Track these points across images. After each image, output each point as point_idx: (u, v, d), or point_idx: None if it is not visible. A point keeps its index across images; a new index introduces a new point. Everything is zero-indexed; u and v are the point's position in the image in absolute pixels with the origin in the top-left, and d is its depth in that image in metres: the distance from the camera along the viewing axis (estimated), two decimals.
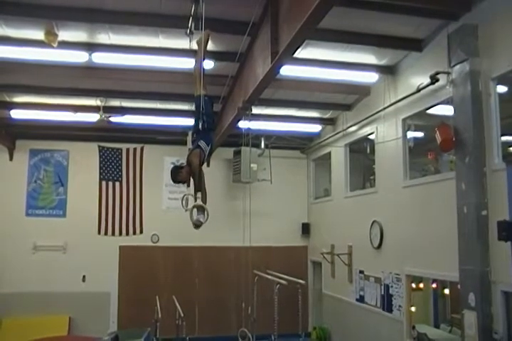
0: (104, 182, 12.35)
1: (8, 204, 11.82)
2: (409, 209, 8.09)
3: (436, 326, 9.41)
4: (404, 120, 8.33)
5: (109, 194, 12.32)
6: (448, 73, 6.65)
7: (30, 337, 9.10)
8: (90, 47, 7.43)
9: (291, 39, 5.01)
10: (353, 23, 6.84)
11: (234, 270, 12.07)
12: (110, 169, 12.41)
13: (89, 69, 8.09)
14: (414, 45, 7.53)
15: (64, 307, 11.43)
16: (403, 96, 8.04)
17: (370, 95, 9.56)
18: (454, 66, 6.53)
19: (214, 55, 7.46)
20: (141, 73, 8.30)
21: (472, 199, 6.12)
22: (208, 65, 7.23)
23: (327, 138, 11.71)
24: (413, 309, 8.43)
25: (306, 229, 13.20)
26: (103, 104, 9.90)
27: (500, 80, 6.16)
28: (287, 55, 5.57)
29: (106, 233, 12.21)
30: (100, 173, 12.35)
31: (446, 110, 6.94)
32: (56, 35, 6.63)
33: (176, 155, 11.89)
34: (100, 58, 7.67)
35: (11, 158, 12.09)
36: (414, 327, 8.05)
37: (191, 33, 5.68)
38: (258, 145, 11.86)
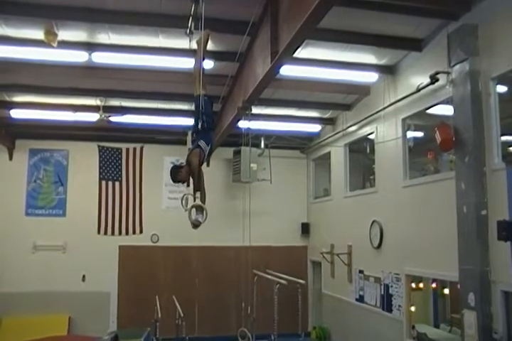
0: (103, 182, 12.35)
1: (7, 203, 11.82)
2: (409, 208, 8.10)
3: (436, 326, 9.40)
4: (404, 120, 8.33)
5: (109, 193, 12.32)
6: (448, 73, 6.66)
7: (30, 336, 9.09)
8: (90, 46, 7.43)
9: (291, 39, 5.01)
10: (352, 22, 6.84)
11: (234, 270, 12.08)
12: (110, 169, 12.41)
13: (89, 69, 8.09)
14: (414, 44, 7.53)
15: (64, 306, 11.43)
16: (403, 96, 8.04)
17: (369, 95, 9.56)
18: (453, 66, 6.53)
19: (214, 55, 7.46)
20: (141, 73, 8.30)
21: (472, 198, 6.12)
22: (208, 64, 7.23)
23: (327, 138, 11.71)
24: (413, 309, 8.43)
25: (305, 228, 13.20)
26: (103, 103, 9.90)
27: (500, 80, 6.16)
28: (287, 55, 5.57)
29: (106, 233, 12.21)
30: (100, 173, 12.35)
31: (446, 110, 6.94)
32: (56, 35, 6.62)
33: (175, 155, 11.89)
34: (100, 58, 7.67)
35: (10, 158, 12.09)
36: (413, 327, 8.05)
37: (191, 32, 5.68)
38: (258, 145, 11.86)
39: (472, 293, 6.02)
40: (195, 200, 4.85)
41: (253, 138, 9.60)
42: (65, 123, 11.02)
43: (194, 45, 5.81)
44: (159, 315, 9.31)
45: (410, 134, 8.35)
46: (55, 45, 6.67)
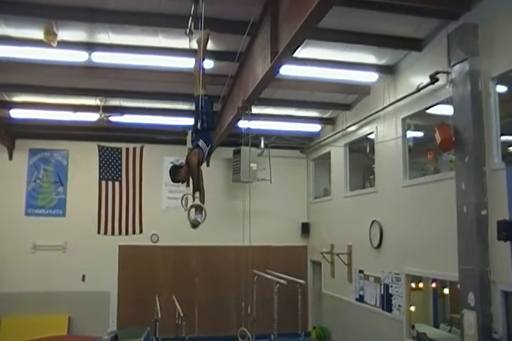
0: (103, 182, 12.35)
1: (7, 203, 11.82)
2: (408, 208, 8.10)
3: (436, 326, 9.39)
4: (403, 120, 8.33)
5: (109, 193, 12.32)
6: (448, 73, 6.65)
7: (30, 336, 9.09)
8: (90, 46, 7.42)
9: (291, 38, 5.01)
10: (352, 22, 6.84)
11: (234, 269, 12.07)
12: (110, 169, 12.41)
13: (89, 68, 8.09)
14: (414, 44, 7.52)
15: (63, 306, 11.43)
16: (403, 95, 8.04)
17: (369, 95, 9.56)
18: (453, 66, 6.53)
19: (214, 55, 7.46)
20: (141, 73, 8.29)
21: (472, 198, 6.12)
22: (208, 64, 7.23)
23: (327, 138, 11.71)
24: (413, 308, 8.42)
25: (305, 228, 13.20)
26: (103, 103, 9.90)
27: (500, 80, 6.16)
28: (287, 55, 5.57)
29: (105, 232, 12.21)
30: (100, 173, 12.35)
31: (446, 110, 6.93)
32: (56, 35, 6.62)
33: (175, 155, 11.90)
34: (100, 58, 7.66)
35: (10, 158, 12.09)
36: (413, 327, 8.05)
37: (191, 32, 5.67)
38: (258, 145, 11.85)
39: (472, 292, 6.02)
40: (194, 200, 4.86)
41: (253, 138, 9.60)
42: (65, 123, 11.02)
43: (194, 45, 5.81)
44: (159, 315, 9.31)
45: (410, 134, 8.35)
46: (54, 45, 6.67)
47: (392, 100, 8.45)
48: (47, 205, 12.17)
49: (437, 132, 6.46)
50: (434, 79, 6.91)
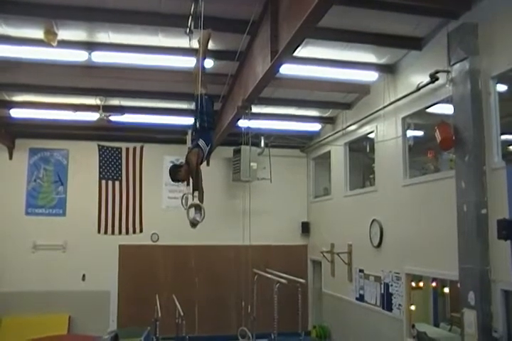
0: (103, 181, 12.35)
1: (7, 203, 11.82)
2: (409, 207, 8.10)
3: (436, 325, 9.41)
4: (404, 119, 8.33)
5: (109, 193, 12.32)
6: (448, 72, 6.65)
7: (30, 335, 9.10)
8: (90, 46, 7.42)
9: (291, 37, 5.01)
10: (352, 21, 6.84)
11: (234, 269, 12.08)
12: (110, 168, 12.41)
13: (89, 68, 8.09)
14: (414, 43, 7.52)
15: (64, 306, 11.44)
16: (403, 94, 8.04)
17: (369, 94, 9.56)
18: (453, 65, 6.53)
19: (214, 54, 7.45)
20: (141, 72, 8.29)
21: (472, 197, 6.12)
22: (208, 63, 7.22)
23: (327, 137, 11.71)
24: (413, 308, 8.43)
25: (305, 227, 13.20)
26: (103, 103, 9.90)
27: (500, 79, 6.16)
28: (287, 54, 5.56)
29: (106, 232, 12.22)
30: (100, 172, 12.35)
31: (446, 109, 6.93)
32: (56, 34, 6.62)
33: (175, 154, 11.90)
34: (100, 57, 7.66)
35: (10, 157, 12.09)
36: (413, 326, 8.05)
37: (191, 31, 5.66)
38: (258, 144, 11.84)
39: (472, 291, 6.02)
40: (193, 199, 4.87)
41: (253, 137, 9.61)
42: (65, 123, 11.01)
43: (194, 44, 5.80)
44: (159, 314, 9.31)
45: (410, 133, 8.34)
46: (54, 44, 6.66)
47: (392, 99, 8.45)
48: (47, 205, 12.17)
49: (437, 131, 6.45)
50: (434, 78, 6.91)
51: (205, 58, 5.61)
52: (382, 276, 9.00)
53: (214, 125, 5.66)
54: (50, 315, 11.18)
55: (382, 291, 8.95)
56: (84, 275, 11.92)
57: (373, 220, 9.30)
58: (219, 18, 6.46)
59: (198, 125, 5.15)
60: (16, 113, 10.29)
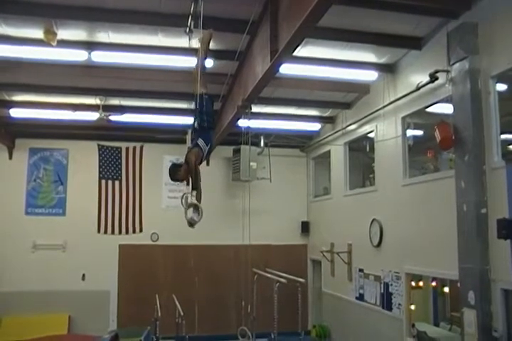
0: (103, 181, 12.35)
1: (7, 203, 11.82)
2: (408, 207, 8.10)
3: (436, 324, 9.41)
4: (403, 118, 8.33)
5: (109, 193, 12.33)
6: (447, 71, 6.65)
7: (30, 335, 9.13)
8: (90, 45, 7.42)
9: (291, 37, 5.01)
10: (352, 21, 6.83)
11: (233, 268, 12.08)
12: (110, 168, 12.41)
13: (89, 67, 8.08)
14: (414, 43, 7.52)
15: (64, 305, 11.44)
16: (403, 94, 8.04)
17: (369, 93, 9.56)
18: (453, 64, 6.53)
19: (213, 54, 7.43)
20: (141, 72, 8.29)
21: (472, 197, 6.12)
22: (208, 63, 7.22)
23: (326, 137, 11.71)
24: (413, 307, 8.44)
25: (305, 227, 13.20)
26: (102, 102, 9.89)
27: (500, 78, 6.16)
28: (287, 54, 5.56)
29: (106, 231, 12.22)
30: (100, 172, 12.35)
31: (446, 108, 6.93)
32: (55, 34, 6.62)
33: (175, 154, 11.86)
34: (99, 57, 7.66)
35: (10, 157, 12.09)
36: (413, 326, 8.05)
37: (190, 31, 5.67)
38: (257, 144, 11.82)
39: (472, 291, 6.02)
40: (191, 199, 4.87)
41: (253, 137, 9.61)
42: (65, 122, 11.01)
43: (193, 44, 5.81)
44: (159, 314, 9.31)
45: (410, 133, 8.34)
46: (54, 44, 6.66)
47: (392, 99, 8.45)
48: (47, 204, 12.17)
49: (437, 130, 6.45)
50: (433, 77, 6.91)
51: (206, 58, 5.60)
52: (382, 276, 9.00)
53: (214, 125, 5.65)
54: (50, 314, 11.18)
55: (382, 291, 8.96)
56: (84, 275, 11.93)
57: (373, 220, 9.30)
58: (219, 17, 6.46)
59: (197, 125, 5.15)
60: (15, 113, 10.29)
